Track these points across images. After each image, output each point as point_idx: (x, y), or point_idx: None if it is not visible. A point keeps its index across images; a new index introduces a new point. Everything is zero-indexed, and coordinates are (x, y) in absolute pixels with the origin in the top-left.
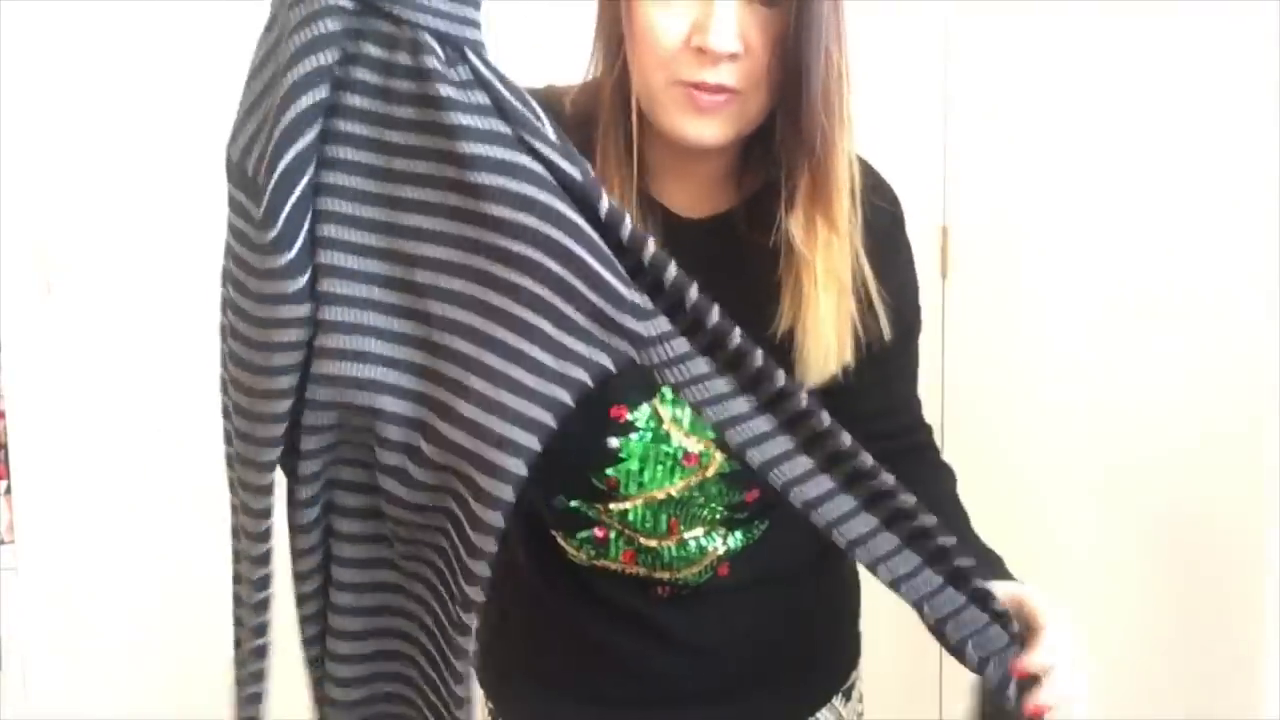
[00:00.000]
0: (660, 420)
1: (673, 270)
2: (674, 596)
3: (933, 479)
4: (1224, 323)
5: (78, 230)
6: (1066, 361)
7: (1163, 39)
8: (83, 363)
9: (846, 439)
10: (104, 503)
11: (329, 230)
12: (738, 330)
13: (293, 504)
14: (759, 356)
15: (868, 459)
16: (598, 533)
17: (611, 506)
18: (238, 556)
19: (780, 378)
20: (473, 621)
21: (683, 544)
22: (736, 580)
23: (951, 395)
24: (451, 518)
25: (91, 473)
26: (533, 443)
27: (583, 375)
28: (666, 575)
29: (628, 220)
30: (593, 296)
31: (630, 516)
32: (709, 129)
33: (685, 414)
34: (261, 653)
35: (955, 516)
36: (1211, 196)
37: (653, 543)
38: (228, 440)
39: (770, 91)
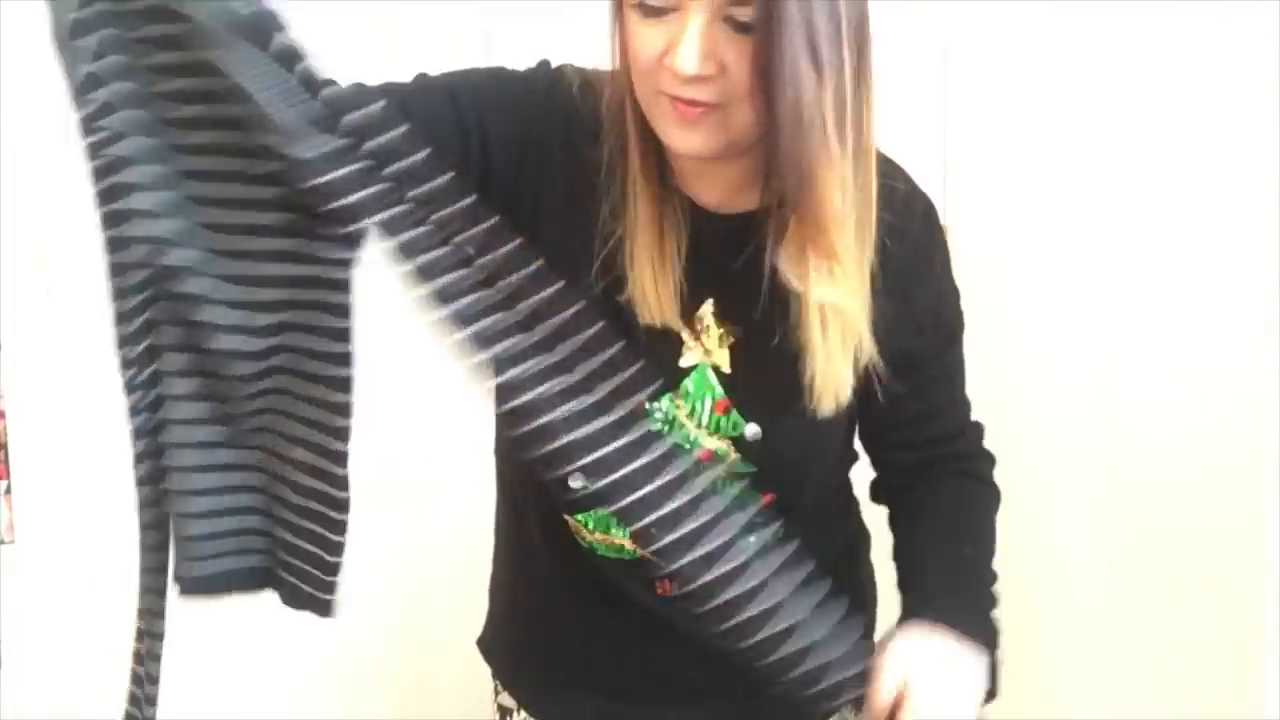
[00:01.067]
0: (677, 414)
1: (337, 90)
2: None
3: (954, 497)
4: (1224, 322)
5: (79, 232)
6: (1067, 361)
7: (1163, 39)
8: (83, 364)
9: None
10: (104, 503)
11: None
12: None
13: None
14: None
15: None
16: None
17: None
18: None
19: (454, 198)
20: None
21: None
22: None
23: None
24: None
25: (91, 473)
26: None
27: (268, 220)
28: None
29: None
30: (265, 138)
31: None
32: (693, 140)
33: (704, 409)
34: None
35: (955, 539)
36: (1212, 196)
37: None
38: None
39: (757, 106)
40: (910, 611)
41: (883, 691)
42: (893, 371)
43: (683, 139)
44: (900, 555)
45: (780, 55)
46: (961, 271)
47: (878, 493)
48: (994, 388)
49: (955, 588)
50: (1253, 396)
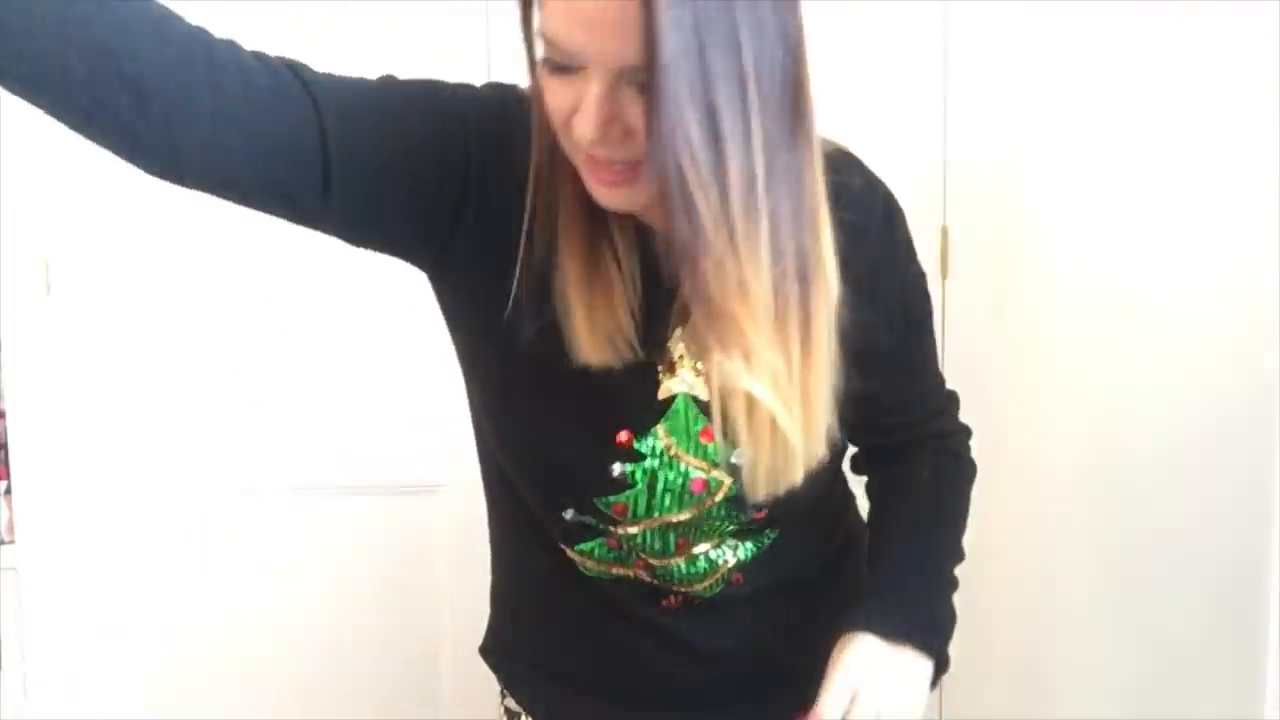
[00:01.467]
0: (667, 447)
1: None
2: (685, 604)
3: (931, 476)
4: (1225, 322)
5: (78, 231)
6: (1067, 362)
7: (1163, 39)
8: (83, 363)
9: None
10: (104, 503)
11: None
12: None
13: None
14: None
15: None
16: (609, 542)
17: (618, 530)
18: None
19: None
20: None
21: (692, 560)
22: (750, 588)
23: None
24: None
25: (91, 473)
26: None
27: None
28: (679, 588)
29: None
30: None
31: (638, 539)
32: (615, 197)
33: (690, 440)
34: None
35: (924, 524)
36: (1212, 196)
37: (663, 562)
38: None
39: None
40: (864, 619)
41: (832, 705)
42: (868, 370)
43: (604, 196)
44: (870, 532)
45: (662, 124)
46: (961, 271)
47: (857, 466)
48: (994, 387)
49: (912, 589)
50: (1253, 396)
